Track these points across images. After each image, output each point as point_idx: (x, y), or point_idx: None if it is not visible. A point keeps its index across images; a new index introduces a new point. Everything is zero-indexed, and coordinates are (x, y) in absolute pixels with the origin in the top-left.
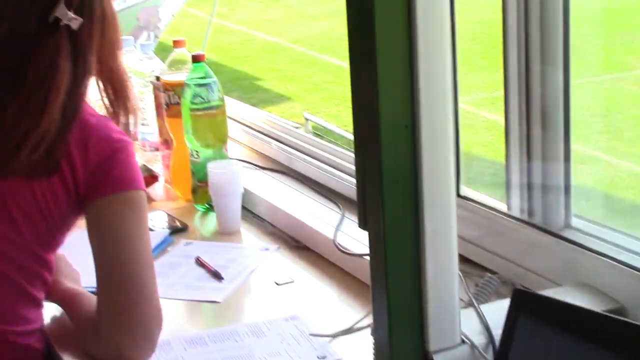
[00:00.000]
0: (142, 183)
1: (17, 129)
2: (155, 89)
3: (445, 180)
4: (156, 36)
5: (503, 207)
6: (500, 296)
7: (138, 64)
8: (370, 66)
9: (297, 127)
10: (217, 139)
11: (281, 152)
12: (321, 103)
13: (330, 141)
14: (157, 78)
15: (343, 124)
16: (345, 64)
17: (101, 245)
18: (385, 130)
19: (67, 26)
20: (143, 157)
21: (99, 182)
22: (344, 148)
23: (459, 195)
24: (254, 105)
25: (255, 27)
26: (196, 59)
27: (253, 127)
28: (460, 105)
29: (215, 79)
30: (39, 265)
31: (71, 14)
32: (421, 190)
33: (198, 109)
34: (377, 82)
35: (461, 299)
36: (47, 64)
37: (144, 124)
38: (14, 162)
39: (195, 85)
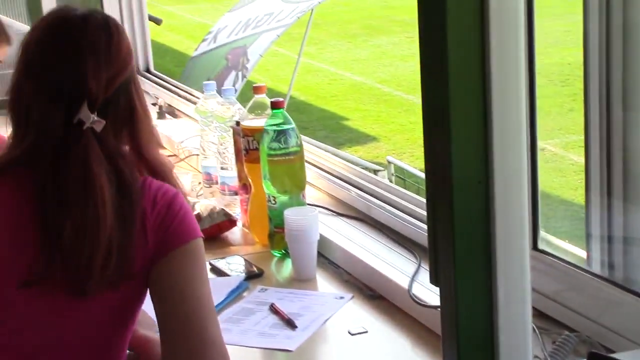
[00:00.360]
0: (199, 230)
1: (80, 254)
2: (235, 134)
3: (519, 235)
4: (244, 76)
5: (585, 256)
6: (579, 355)
7: (219, 108)
8: (444, 123)
9: (379, 170)
10: (295, 185)
11: (359, 199)
12: (406, 144)
13: (413, 185)
14: (237, 123)
15: None
16: None
17: (163, 299)
18: (458, 187)
19: (92, 129)
20: (222, 201)
21: (162, 242)
22: (422, 196)
23: (536, 249)
24: (339, 144)
25: (342, 67)
26: (275, 105)
27: (331, 172)
28: (548, 148)
29: (293, 125)
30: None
31: (94, 117)
32: (494, 246)
33: (276, 155)
34: (450, 139)
35: (537, 357)
36: (82, 175)
37: (224, 168)
38: (89, 285)
39: (273, 131)
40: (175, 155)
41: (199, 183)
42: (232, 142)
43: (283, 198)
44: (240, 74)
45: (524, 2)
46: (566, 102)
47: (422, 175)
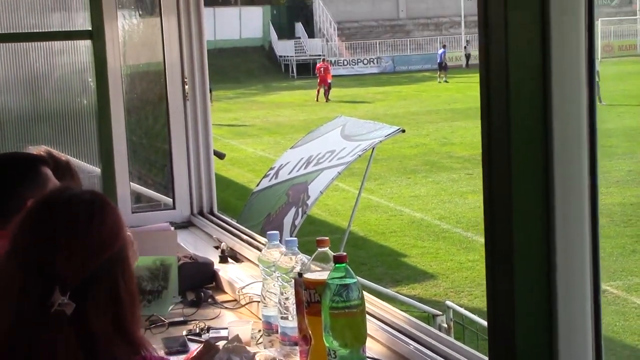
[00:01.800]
0: None
1: None
2: (298, 285)
3: None
4: (304, 212)
5: None
6: None
7: (282, 258)
8: (508, 264)
9: (437, 315)
10: (355, 339)
11: (417, 353)
12: (465, 283)
13: (472, 331)
14: (300, 274)
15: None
16: None
17: None
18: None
19: (62, 312)
20: (282, 350)
21: None
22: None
23: None
24: (397, 282)
25: (401, 203)
26: (338, 259)
27: (390, 323)
28: (610, 290)
29: (356, 279)
30: None
31: (64, 299)
32: None
33: (337, 309)
34: (514, 288)
35: None
36: None
37: (284, 318)
38: None
39: (336, 285)
40: (235, 300)
41: (259, 331)
42: (294, 293)
43: (343, 352)
44: (300, 210)
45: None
46: (629, 244)
47: (481, 321)
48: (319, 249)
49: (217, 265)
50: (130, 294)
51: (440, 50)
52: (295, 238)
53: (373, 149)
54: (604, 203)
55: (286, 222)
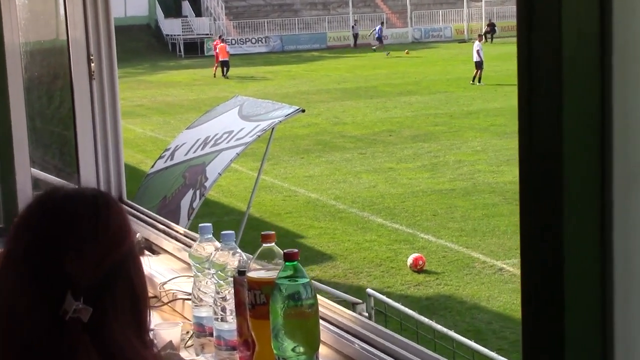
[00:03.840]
0: None
1: None
2: (238, 284)
3: None
4: (202, 195)
5: None
6: None
7: (217, 254)
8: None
9: (357, 304)
10: (309, 345)
11: (364, 353)
12: (364, 263)
13: (394, 319)
14: (241, 273)
15: (395, 285)
16: (387, 223)
17: None
18: None
19: (84, 321)
20: (217, 356)
21: None
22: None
23: None
24: None
25: (296, 184)
26: (289, 257)
27: (335, 323)
28: (507, 268)
29: (308, 278)
30: None
31: (78, 304)
32: None
33: (289, 312)
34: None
35: None
36: None
37: (220, 319)
38: None
39: (286, 285)
40: (156, 297)
41: (187, 333)
42: (233, 293)
43: (295, 359)
44: (198, 192)
45: None
46: None
47: (403, 308)
48: (263, 245)
49: None
50: (146, 291)
51: (378, 27)
52: (232, 232)
53: (273, 129)
54: (496, 182)
55: (183, 205)
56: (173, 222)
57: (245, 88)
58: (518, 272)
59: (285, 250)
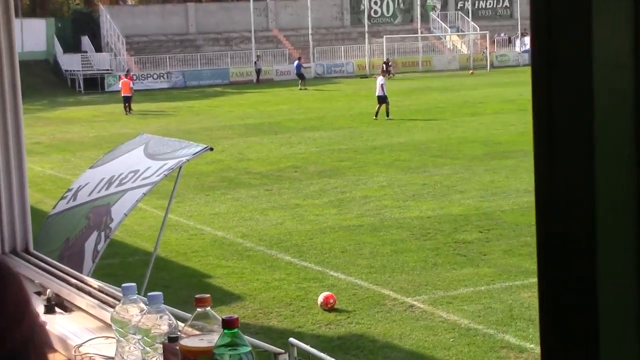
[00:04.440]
0: None
1: None
2: (169, 353)
3: None
4: (107, 237)
5: None
6: None
7: (143, 318)
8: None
9: (280, 354)
10: None
11: None
12: (273, 303)
13: None
14: (171, 339)
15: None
16: (295, 260)
17: None
18: None
19: None
20: None
21: None
22: None
23: None
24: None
25: (202, 222)
26: (228, 324)
27: None
28: (417, 305)
29: (249, 347)
30: None
31: None
32: None
33: None
34: None
35: None
36: None
37: None
38: None
39: (227, 355)
40: None
41: None
42: None
43: None
44: (103, 234)
45: None
46: (430, 257)
47: (329, 358)
48: (198, 309)
49: (43, 317)
50: None
51: (296, 62)
52: (160, 293)
53: (180, 167)
54: (403, 217)
55: (87, 247)
56: (77, 265)
57: (147, 124)
58: (428, 308)
59: (224, 317)
